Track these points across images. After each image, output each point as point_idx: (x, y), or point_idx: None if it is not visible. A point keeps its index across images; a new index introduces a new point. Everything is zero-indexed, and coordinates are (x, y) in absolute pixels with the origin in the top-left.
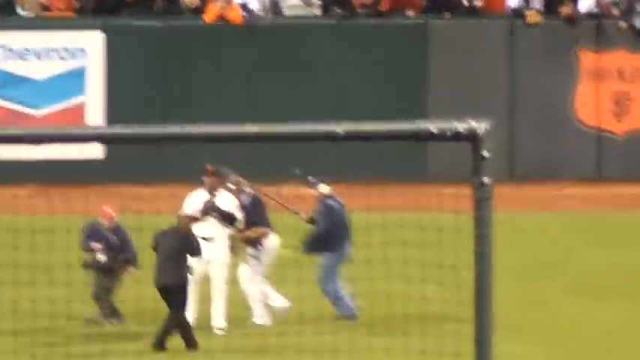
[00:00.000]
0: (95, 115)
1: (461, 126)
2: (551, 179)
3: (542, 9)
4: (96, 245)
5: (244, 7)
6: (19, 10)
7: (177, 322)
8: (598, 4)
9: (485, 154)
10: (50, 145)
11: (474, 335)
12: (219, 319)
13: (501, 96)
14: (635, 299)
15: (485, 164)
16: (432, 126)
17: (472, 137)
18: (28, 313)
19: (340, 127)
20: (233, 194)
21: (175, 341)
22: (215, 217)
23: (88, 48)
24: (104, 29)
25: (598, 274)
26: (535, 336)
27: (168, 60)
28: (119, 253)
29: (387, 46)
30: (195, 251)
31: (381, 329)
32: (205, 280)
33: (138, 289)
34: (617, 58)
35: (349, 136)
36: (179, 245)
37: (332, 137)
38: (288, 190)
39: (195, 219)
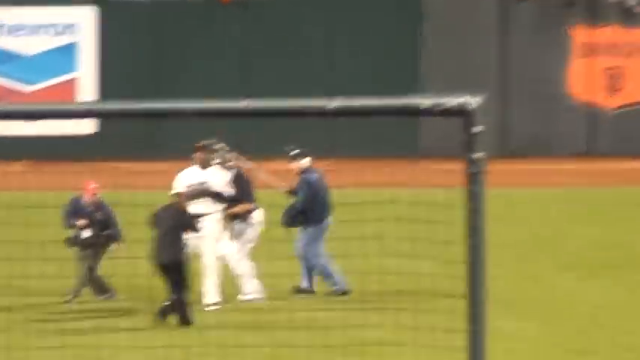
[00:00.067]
0: (87, 91)
1: (452, 101)
2: (544, 154)
3: None
4: (80, 222)
5: None
6: None
7: (179, 299)
8: None
9: (477, 129)
10: (42, 121)
11: (468, 311)
12: (211, 296)
13: (494, 72)
14: (628, 274)
15: (477, 139)
16: (424, 101)
17: (463, 112)
18: (22, 289)
19: (331, 103)
20: (224, 169)
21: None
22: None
23: (80, 23)
24: (96, 4)
25: (591, 249)
26: (528, 311)
27: (160, 35)
28: (103, 229)
29: (380, 21)
30: (192, 227)
31: (374, 305)
32: (195, 257)
33: (131, 265)
34: (610, 34)
35: (340, 112)
36: (176, 222)
37: (323, 112)
38: (280, 166)
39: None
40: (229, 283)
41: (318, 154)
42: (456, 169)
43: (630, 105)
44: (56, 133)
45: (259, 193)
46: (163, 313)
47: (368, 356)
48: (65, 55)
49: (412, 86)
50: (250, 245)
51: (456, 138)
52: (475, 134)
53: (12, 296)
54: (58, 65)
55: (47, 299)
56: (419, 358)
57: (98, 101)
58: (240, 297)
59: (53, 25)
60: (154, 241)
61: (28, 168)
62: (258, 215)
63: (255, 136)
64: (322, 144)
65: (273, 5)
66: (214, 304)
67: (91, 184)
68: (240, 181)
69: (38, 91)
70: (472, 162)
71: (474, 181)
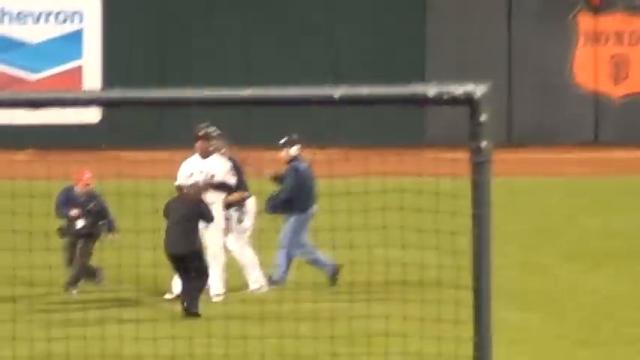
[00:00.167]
0: (92, 79)
1: (458, 90)
2: (549, 143)
3: None
4: (74, 212)
5: None
6: None
7: (201, 287)
8: None
9: (483, 118)
10: (47, 109)
11: (473, 301)
12: (216, 287)
13: (499, 60)
14: (632, 264)
15: (483, 128)
16: (429, 90)
17: (469, 101)
18: (26, 279)
19: (336, 91)
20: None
21: (176, 307)
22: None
23: (86, 11)
24: None
25: (595, 238)
26: (532, 302)
27: (165, 23)
28: (99, 218)
29: (384, 8)
30: (207, 217)
31: (379, 296)
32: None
33: (135, 255)
34: (616, 22)
35: (345, 100)
36: (190, 212)
37: (328, 101)
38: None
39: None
40: (234, 273)
41: (323, 142)
42: (461, 158)
43: (635, 94)
44: (61, 122)
45: (250, 182)
46: (188, 307)
47: (373, 347)
48: (70, 42)
49: (416, 75)
50: (247, 234)
51: (461, 127)
52: (481, 123)
53: (16, 286)
54: (63, 53)
55: (51, 290)
56: (424, 349)
57: (102, 89)
58: (250, 288)
59: (58, 13)
60: (167, 232)
61: (32, 157)
62: (251, 204)
63: (259, 125)
64: (327, 132)
65: None
66: (219, 295)
67: (85, 174)
68: (235, 170)
69: (43, 79)
70: (477, 151)
71: (479, 170)
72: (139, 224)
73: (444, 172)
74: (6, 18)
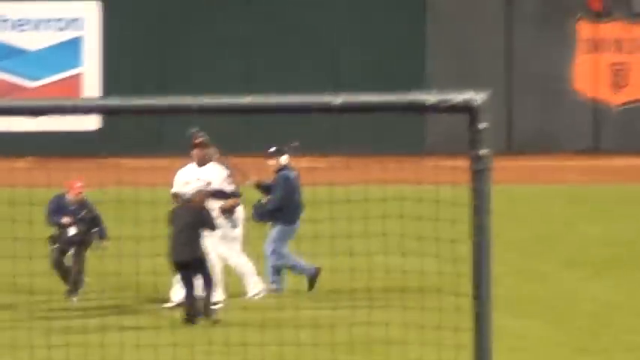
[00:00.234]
0: (92, 87)
1: (458, 97)
2: (549, 151)
3: None
4: (66, 219)
5: None
6: None
7: (211, 292)
8: None
9: (483, 125)
10: (46, 117)
11: (473, 308)
12: (216, 294)
13: (499, 67)
14: (633, 272)
15: (483, 136)
16: (429, 97)
17: (469, 109)
18: (26, 286)
19: (336, 99)
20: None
21: (176, 315)
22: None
23: (85, 19)
24: None
25: (596, 246)
26: (532, 309)
27: (165, 31)
28: (91, 226)
29: (384, 15)
30: (210, 225)
31: (380, 303)
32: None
33: (136, 263)
34: (615, 30)
35: (345, 108)
36: (194, 219)
37: (328, 109)
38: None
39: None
40: (234, 281)
41: (323, 150)
42: (461, 166)
43: (635, 101)
44: (60, 129)
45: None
46: (208, 315)
47: (373, 354)
48: (69, 50)
49: (416, 83)
50: (238, 242)
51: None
52: (480, 131)
53: (16, 294)
54: (63, 61)
55: (52, 297)
56: (424, 356)
57: (101, 97)
58: (249, 294)
59: (57, 20)
60: (171, 239)
61: (32, 164)
62: (239, 211)
63: (258, 133)
64: (328, 141)
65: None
66: (219, 302)
67: (77, 182)
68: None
69: (42, 86)
70: (477, 159)
71: (479, 178)
72: (138, 232)
73: (443, 179)
74: (5, 25)
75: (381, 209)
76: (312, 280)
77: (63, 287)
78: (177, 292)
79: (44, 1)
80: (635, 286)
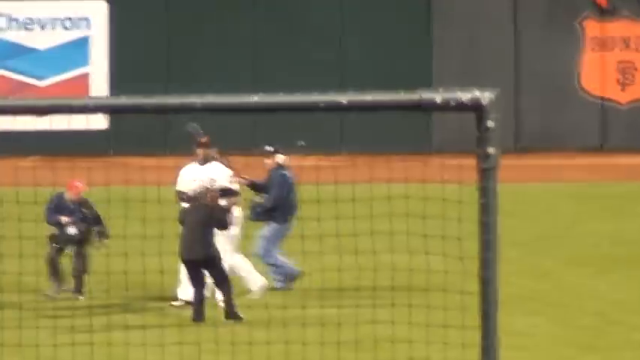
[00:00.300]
0: (99, 86)
1: (465, 96)
2: (556, 149)
3: None
4: (65, 219)
5: None
6: None
7: (228, 289)
8: None
9: (490, 124)
10: (54, 116)
11: (480, 306)
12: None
13: (505, 65)
14: (639, 270)
15: (490, 135)
16: (436, 96)
17: (476, 107)
18: (32, 285)
19: (343, 97)
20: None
21: (183, 313)
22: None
23: (93, 17)
24: None
25: (602, 244)
26: (538, 307)
27: (173, 30)
28: (92, 225)
29: (391, 13)
30: (223, 223)
31: (386, 301)
32: None
33: (141, 262)
34: (622, 28)
35: (352, 106)
36: (205, 218)
37: (335, 107)
38: (292, 160)
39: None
40: (238, 279)
41: (329, 149)
42: (468, 164)
43: None
44: (67, 128)
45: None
46: (232, 313)
47: (379, 352)
48: (77, 49)
49: (423, 81)
50: (234, 241)
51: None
52: (488, 129)
53: (22, 293)
54: (70, 60)
55: (58, 296)
56: (430, 355)
57: (109, 96)
58: (252, 291)
59: (65, 20)
60: (182, 237)
61: (38, 163)
62: (236, 210)
63: (267, 131)
64: (334, 139)
65: None
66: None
67: (76, 182)
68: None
69: (50, 85)
70: (484, 157)
71: (486, 177)
72: (145, 230)
73: (450, 178)
74: (13, 24)
75: (387, 207)
76: (290, 282)
77: (68, 285)
78: (184, 291)
79: (52, 1)
80: None
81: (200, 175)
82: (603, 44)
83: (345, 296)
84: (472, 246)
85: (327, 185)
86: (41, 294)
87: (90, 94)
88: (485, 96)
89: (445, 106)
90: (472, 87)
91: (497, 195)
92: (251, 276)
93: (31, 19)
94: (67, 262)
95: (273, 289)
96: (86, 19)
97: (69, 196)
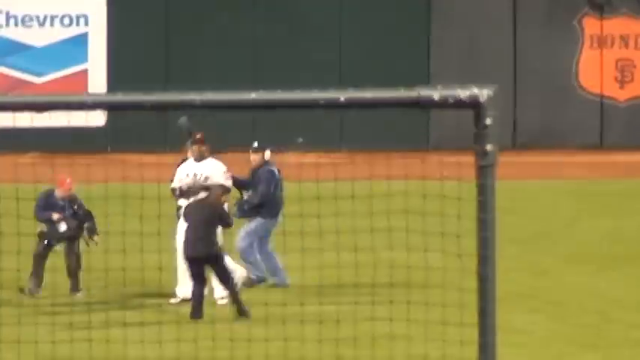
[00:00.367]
0: (97, 83)
1: (463, 93)
2: (554, 147)
3: None
4: (56, 215)
5: None
6: None
7: (233, 287)
8: None
9: (488, 121)
10: (52, 113)
11: (478, 304)
12: (220, 289)
13: (504, 63)
14: (638, 267)
15: (488, 132)
16: (435, 93)
17: (474, 104)
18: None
19: (342, 95)
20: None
21: (181, 310)
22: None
23: (91, 14)
24: None
25: (601, 242)
26: (537, 304)
27: (171, 27)
28: (83, 222)
29: (390, 13)
30: (226, 221)
31: (384, 298)
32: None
33: (141, 258)
34: (621, 25)
35: (351, 104)
36: (209, 215)
37: (333, 105)
38: (291, 158)
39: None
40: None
41: (328, 146)
42: (466, 161)
43: None
44: (65, 125)
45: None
46: (241, 310)
47: (378, 349)
48: (75, 46)
49: (421, 79)
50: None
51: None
52: (486, 126)
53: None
54: (68, 56)
55: (56, 292)
56: (429, 352)
57: (107, 93)
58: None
59: (63, 16)
60: (185, 235)
61: (36, 160)
62: (225, 206)
63: (267, 128)
64: (332, 136)
65: None
66: (223, 297)
67: (66, 179)
68: None
69: (48, 82)
70: (483, 154)
71: (484, 174)
72: (143, 227)
73: (449, 175)
74: (11, 21)
75: (386, 204)
76: (252, 284)
77: (68, 282)
78: (182, 288)
79: None
80: None
81: (194, 170)
82: (602, 42)
83: (343, 293)
84: (471, 243)
85: (327, 182)
86: (20, 289)
87: (88, 91)
88: (483, 93)
89: (443, 104)
90: (471, 84)
91: (495, 192)
92: (236, 273)
93: (29, 15)
94: (60, 261)
95: (272, 285)
96: (84, 16)
97: (59, 193)
